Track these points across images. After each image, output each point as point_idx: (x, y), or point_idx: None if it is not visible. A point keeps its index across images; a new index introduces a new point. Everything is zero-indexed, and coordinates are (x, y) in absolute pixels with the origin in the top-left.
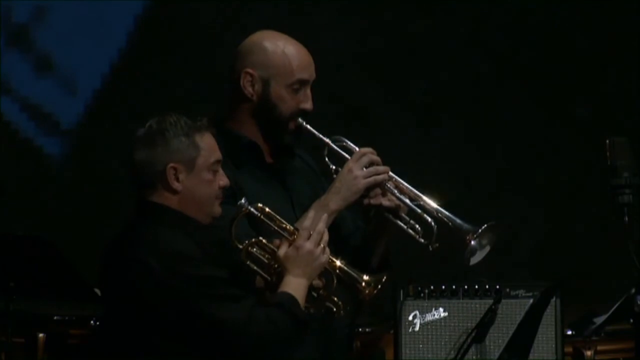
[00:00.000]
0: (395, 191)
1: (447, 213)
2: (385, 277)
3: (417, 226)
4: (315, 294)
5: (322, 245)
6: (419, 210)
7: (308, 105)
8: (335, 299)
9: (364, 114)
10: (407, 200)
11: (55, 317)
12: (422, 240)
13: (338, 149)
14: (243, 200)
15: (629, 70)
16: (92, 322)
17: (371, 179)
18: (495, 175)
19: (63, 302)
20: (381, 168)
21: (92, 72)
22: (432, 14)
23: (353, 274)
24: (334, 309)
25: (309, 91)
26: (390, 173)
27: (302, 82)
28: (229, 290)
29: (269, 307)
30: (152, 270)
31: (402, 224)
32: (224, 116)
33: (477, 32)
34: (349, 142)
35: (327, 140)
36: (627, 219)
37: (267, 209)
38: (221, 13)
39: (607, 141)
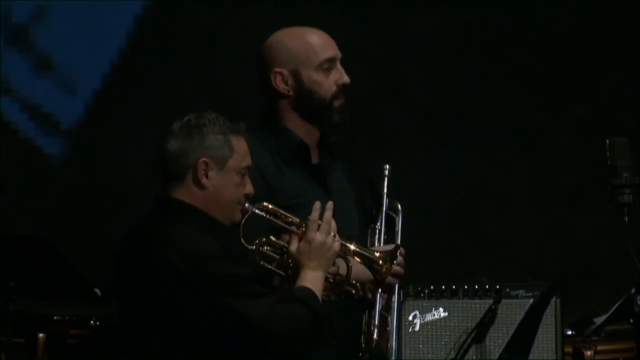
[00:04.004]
0: (395, 299)
1: (396, 345)
2: (398, 250)
3: (370, 328)
4: (332, 280)
5: (332, 233)
6: (377, 321)
7: (345, 79)
8: (353, 281)
9: (363, 113)
10: (394, 314)
11: (55, 317)
12: (362, 343)
13: (383, 217)
14: (247, 205)
15: (628, 71)
16: (92, 322)
17: (390, 279)
18: (495, 174)
19: (63, 302)
20: (399, 269)
21: (92, 72)
22: (432, 13)
23: (368, 254)
24: (353, 292)
25: (340, 66)
26: None
27: (330, 60)
28: (251, 288)
29: (290, 303)
30: (177, 268)
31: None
32: (272, 114)
33: (477, 32)
34: (399, 219)
35: (385, 204)
36: (627, 219)
37: (270, 206)
38: (221, 13)
39: (607, 141)
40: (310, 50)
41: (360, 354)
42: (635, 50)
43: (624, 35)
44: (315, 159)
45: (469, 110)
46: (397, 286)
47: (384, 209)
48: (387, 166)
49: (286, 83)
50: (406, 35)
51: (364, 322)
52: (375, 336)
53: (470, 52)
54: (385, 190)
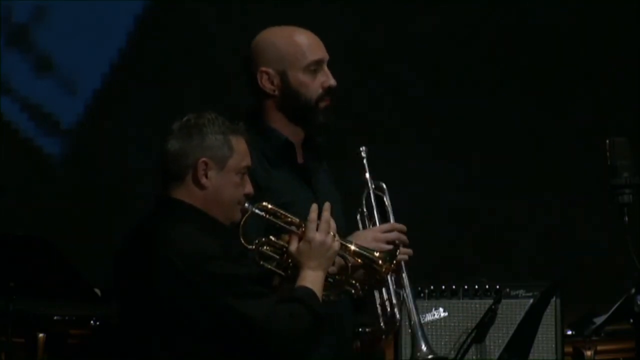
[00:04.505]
0: (404, 275)
1: (417, 319)
2: (398, 250)
3: (388, 308)
4: (331, 280)
5: (331, 233)
6: (394, 300)
7: (331, 82)
8: (353, 281)
9: (363, 113)
10: (408, 289)
11: (55, 317)
12: (382, 325)
13: (372, 198)
14: (247, 204)
15: (628, 71)
16: (92, 322)
17: (400, 256)
18: (495, 174)
19: (63, 302)
20: (404, 250)
21: (92, 72)
22: (432, 13)
23: (368, 254)
24: (353, 292)
25: (326, 69)
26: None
27: (318, 63)
28: (252, 288)
29: (291, 303)
30: (177, 268)
31: (378, 296)
32: (257, 114)
33: (477, 32)
34: (387, 197)
35: (371, 184)
36: (627, 219)
37: (269, 206)
38: (221, 13)
39: (607, 141)
40: (299, 51)
41: (383, 336)
42: (635, 50)
43: (624, 35)
44: (300, 159)
45: (469, 110)
46: (403, 263)
47: (371, 190)
48: (364, 148)
49: (272, 83)
50: (406, 35)
51: (377, 304)
52: (397, 315)
53: (470, 52)
54: (367, 172)
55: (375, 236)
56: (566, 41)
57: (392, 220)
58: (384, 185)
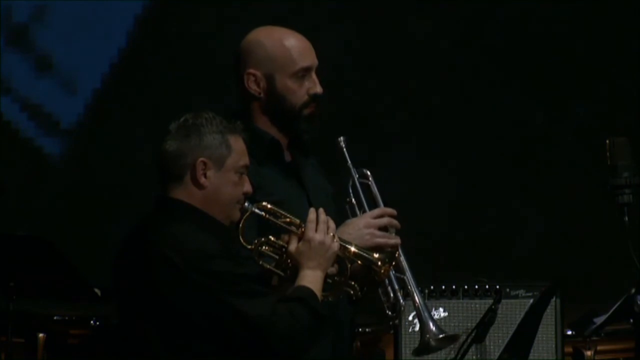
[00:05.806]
0: (403, 259)
1: (421, 300)
2: (397, 253)
3: (391, 295)
4: (330, 281)
5: (331, 233)
6: (396, 285)
7: (317, 89)
8: (352, 282)
9: (362, 115)
10: (408, 273)
11: (55, 317)
12: (388, 312)
13: (358, 186)
14: (247, 204)
15: (629, 71)
16: (92, 322)
17: (382, 241)
18: (495, 174)
19: (63, 302)
20: (394, 238)
21: (92, 72)
22: (432, 14)
23: (367, 256)
24: (352, 292)
25: (314, 76)
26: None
27: (306, 69)
28: (251, 287)
29: (291, 302)
30: (177, 267)
31: (380, 287)
32: (243, 114)
33: (477, 32)
34: (372, 183)
35: (354, 173)
36: (627, 219)
37: (269, 206)
38: (221, 13)
39: (607, 141)
40: (288, 56)
41: (391, 323)
42: (635, 50)
43: (624, 35)
44: (287, 157)
45: (468, 110)
46: (400, 248)
47: (355, 179)
48: (342, 137)
49: (258, 85)
50: (406, 35)
51: (381, 293)
52: (401, 300)
53: (470, 52)
54: (349, 161)
55: (367, 222)
56: (567, 41)
57: (381, 206)
58: (368, 172)
